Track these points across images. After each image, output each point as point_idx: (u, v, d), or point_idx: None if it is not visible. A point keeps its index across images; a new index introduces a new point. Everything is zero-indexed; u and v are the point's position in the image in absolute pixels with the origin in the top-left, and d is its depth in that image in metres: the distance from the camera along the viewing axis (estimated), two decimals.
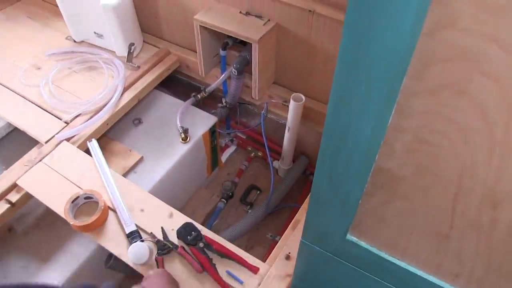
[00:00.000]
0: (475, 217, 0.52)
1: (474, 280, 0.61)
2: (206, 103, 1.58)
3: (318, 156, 0.59)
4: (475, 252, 0.57)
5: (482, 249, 0.56)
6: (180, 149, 1.41)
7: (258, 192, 1.63)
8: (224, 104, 1.52)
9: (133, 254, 1.02)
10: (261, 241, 1.47)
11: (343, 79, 0.47)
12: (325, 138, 0.55)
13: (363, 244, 0.68)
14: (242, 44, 1.45)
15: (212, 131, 1.49)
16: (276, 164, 1.60)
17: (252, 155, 1.70)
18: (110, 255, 1.28)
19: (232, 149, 1.77)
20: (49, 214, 1.26)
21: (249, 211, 1.56)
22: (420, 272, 0.66)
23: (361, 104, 0.48)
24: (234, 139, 1.77)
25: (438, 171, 0.50)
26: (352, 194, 0.60)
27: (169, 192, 1.30)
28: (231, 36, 1.38)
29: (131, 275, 1.39)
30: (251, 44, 1.29)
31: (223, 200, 1.59)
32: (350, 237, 0.68)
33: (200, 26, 1.35)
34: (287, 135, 1.44)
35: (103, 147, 1.28)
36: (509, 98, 0.40)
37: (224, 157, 1.74)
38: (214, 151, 1.58)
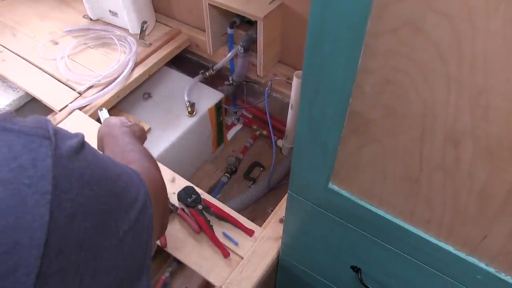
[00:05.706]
0: (440, 157, 0.56)
1: (444, 225, 0.65)
2: (214, 82, 1.64)
3: (299, 105, 0.64)
4: (442, 195, 0.61)
5: (448, 191, 0.60)
6: (187, 122, 1.47)
7: (261, 169, 1.67)
8: (231, 81, 1.58)
9: None
10: (261, 214, 1.51)
11: (316, 27, 0.52)
12: (303, 86, 0.60)
13: (344, 192, 0.72)
14: (250, 24, 1.50)
15: (218, 107, 1.55)
16: (280, 143, 1.65)
17: (257, 133, 1.74)
18: None
19: (238, 127, 1.81)
20: None
21: (252, 186, 1.61)
22: (396, 220, 0.70)
23: (332, 47, 0.53)
24: (240, 118, 1.82)
25: (404, 111, 0.55)
26: (330, 139, 0.64)
27: (174, 163, 1.35)
28: (239, 15, 1.43)
29: None
30: (257, 23, 1.34)
31: (226, 174, 1.64)
32: (332, 186, 0.73)
33: (209, 4, 1.40)
34: (290, 112, 1.48)
35: None
36: (458, 34, 0.44)
37: (229, 135, 1.79)
38: (220, 127, 1.63)
